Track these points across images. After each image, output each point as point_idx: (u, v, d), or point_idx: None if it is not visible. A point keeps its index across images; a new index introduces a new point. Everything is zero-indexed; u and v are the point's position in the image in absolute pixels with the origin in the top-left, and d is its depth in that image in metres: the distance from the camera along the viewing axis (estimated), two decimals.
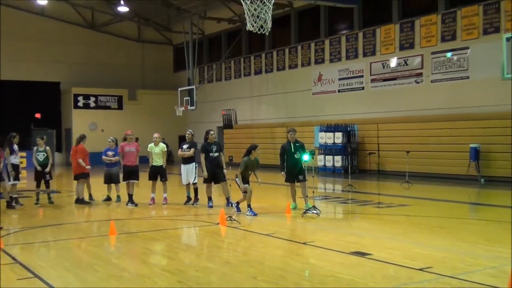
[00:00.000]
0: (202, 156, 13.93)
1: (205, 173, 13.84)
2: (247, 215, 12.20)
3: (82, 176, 15.19)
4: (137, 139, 15.43)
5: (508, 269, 6.51)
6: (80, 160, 15.04)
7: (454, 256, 8.19)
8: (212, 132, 14.39)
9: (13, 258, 8.44)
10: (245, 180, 12.63)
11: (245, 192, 12.61)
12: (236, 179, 12.75)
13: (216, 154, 13.99)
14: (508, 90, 18.62)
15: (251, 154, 12.60)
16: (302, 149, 13.18)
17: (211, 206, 13.83)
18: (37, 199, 15.18)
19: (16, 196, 14.91)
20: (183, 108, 30.63)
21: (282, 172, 13.42)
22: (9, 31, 34.09)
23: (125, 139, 15.26)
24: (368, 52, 25.39)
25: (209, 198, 14.12)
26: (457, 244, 9.14)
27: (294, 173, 13.15)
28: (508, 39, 14.34)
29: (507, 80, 14.81)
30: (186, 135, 15.16)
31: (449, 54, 21.99)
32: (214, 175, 13.88)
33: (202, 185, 14.29)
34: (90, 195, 15.49)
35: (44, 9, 34.73)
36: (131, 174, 14.85)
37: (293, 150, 13.12)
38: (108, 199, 15.53)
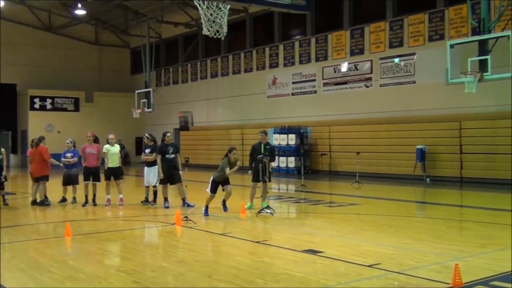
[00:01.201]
0: (159, 158, 13.82)
1: (161, 174, 13.71)
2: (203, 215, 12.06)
3: (43, 178, 14.83)
4: (95, 140, 15.08)
5: (452, 264, 6.65)
6: (52, 160, 14.78)
7: (402, 253, 8.31)
8: (168, 134, 14.27)
9: None
10: (221, 182, 12.25)
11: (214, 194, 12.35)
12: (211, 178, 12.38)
13: (173, 155, 13.88)
14: (452, 95, 19.11)
15: (228, 156, 12.20)
16: (270, 151, 13.26)
17: (168, 207, 13.72)
18: None
19: None
20: (140, 111, 30.35)
21: (249, 171, 13.41)
22: None
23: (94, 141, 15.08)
24: (320, 57, 25.63)
25: (165, 199, 14.00)
26: (405, 241, 9.29)
27: (259, 173, 13.13)
28: (452, 46, 14.70)
29: (451, 84, 15.15)
30: (144, 139, 15.07)
31: (396, 60, 22.40)
32: (171, 176, 13.77)
33: (160, 186, 14.17)
34: (45, 197, 15.11)
35: (0, 11, 33.80)
36: (92, 175, 14.63)
37: (262, 151, 13.14)
38: (64, 200, 15.20)
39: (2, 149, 15.05)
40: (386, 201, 15.65)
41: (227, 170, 11.97)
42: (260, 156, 13.09)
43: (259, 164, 13.06)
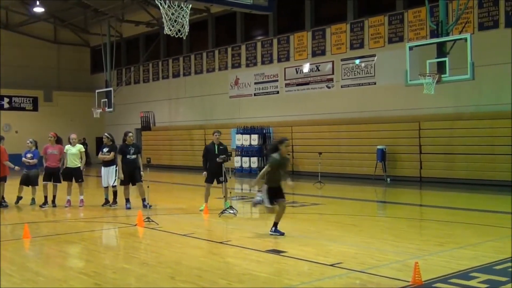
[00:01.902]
0: (119, 158, 13.68)
1: (121, 175, 13.59)
2: (271, 234, 9.73)
3: (2, 179, 14.45)
4: (58, 141, 14.79)
5: (412, 263, 6.75)
6: (8, 162, 14.38)
7: (364, 252, 8.40)
8: (130, 134, 14.08)
9: None
10: (274, 189, 9.69)
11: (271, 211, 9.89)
12: (259, 194, 9.93)
13: (134, 156, 13.71)
14: (411, 96, 19.42)
15: (279, 150, 9.64)
16: (224, 152, 13.15)
17: (129, 208, 13.56)
18: None
19: None
20: (101, 110, 29.93)
21: (204, 172, 13.28)
22: None
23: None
24: (282, 57, 25.75)
25: (127, 200, 13.85)
26: (367, 241, 9.40)
27: (214, 174, 13.06)
28: (411, 48, 14.94)
29: (410, 86, 15.39)
30: (104, 139, 14.84)
31: (357, 61, 22.67)
32: (132, 177, 13.63)
33: (121, 187, 13.99)
34: (3, 198, 14.73)
35: None
36: (53, 175, 14.37)
37: (216, 152, 13.03)
38: (19, 199, 14.83)
39: None
40: (348, 201, 15.82)
41: (289, 181, 10.14)
42: (222, 157, 13.00)
43: (214, 165, 13.01)
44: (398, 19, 21.33)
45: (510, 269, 7.20)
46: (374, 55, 22.12)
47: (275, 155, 9.54)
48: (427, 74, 14.13)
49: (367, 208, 14.54)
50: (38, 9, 31.53)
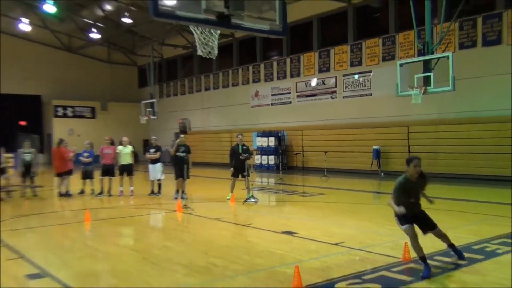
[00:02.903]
0: (172, 152, 13.67)
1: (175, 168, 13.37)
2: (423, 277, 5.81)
3: (66, 173, 14.74)
4: (112, 143, 15.05)
5: (402, 243, 6.73)
6: (70, 155, 14.70)
7: (362, 234, 8.39)
8: (182, 136, 14.00)
9: (2, 242, 8.07)
10: (406, 216, 6.19)
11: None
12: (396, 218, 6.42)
13: (183, 154, 13.49)
14: (402, 105, 19.27)
15: (408, 169, 6.34)
16: (247, 151, 13.23)
17: (177, 198, 13.21)
18: (23, 193, 14.60)
19: (7, 189, 14.34)
20: (146, 117, 30.16)
21: (231, 168, 13.38)
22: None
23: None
24: (294, 73, 25.70)
25: (177, 191, 13.55)
26: (365, 224, 9.37)
27: (239, 169, 13.15)
28: (401, 65, 14.79)
29: (400, 96, 15.27)
30: (152, 141, 15.05)
31: (356, 76, 22.53)
32: (182, 171, 13.27)
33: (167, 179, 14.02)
34: (68, 189, 14.98)
35: (28, 34, 33.43)
36: (108, 171, 14.57)
37: (240, 151, 13.13)
38: (82, 192, 15.09)
39: (33, 149, 14.93)
40: (349, 191, 15.76)
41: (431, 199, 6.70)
42: (245, 155, 13.08)
43: (238, 162, 13.08)
44: (390, 41, 21.16)
45: (485, 249, 7.14)
46: (370, 71, 21.97)
47: (401, 178, 6.38)
48: (415, 87, 13.99)
49: (364, 197, 14.47)
50: (95, 35, 31.88)
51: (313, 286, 5.51)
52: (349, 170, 21.84)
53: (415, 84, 14.02)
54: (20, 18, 30.83)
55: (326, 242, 7.67)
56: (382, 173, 20.20)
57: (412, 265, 6.28)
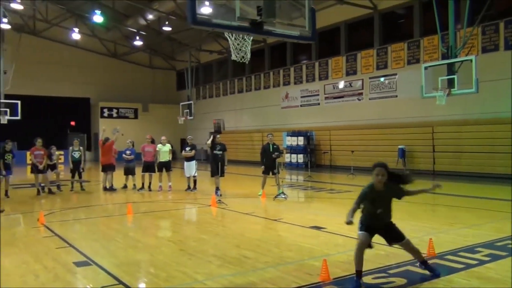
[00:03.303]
0: (209, 151, 13.63)
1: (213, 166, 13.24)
2: None
3: (110, 169, 15.03)
4: (152, 141, 15.24)
5: (427, 239, 6.55)
6: (114, 150, 15.03)
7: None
8: (218, 136, 13.90)
9: (53, 232, 8.28)
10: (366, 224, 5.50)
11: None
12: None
13: (220, 152, 13.41)
14: (426, 106, 18.86)
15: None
16: (277, 150, 13.17)
17: (218, 195, 12.85)
18: (72, 187, 14.95)
19: (58, 183, 14.72)
20: (184, 118, 30.49)
21: (262, 166, 13.35)
22: (50, 58, 33.68)
23: (152, 141, 15.13)
24: (322, 76, 25.48)
25: (217, 189, 13.20)
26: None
27: (270, 167, 13.10)
28: (426, 68, 14.45)
29: (425, 98, 14.92)
30: (188, 140, 15.11)
31: (382, 79, 22.17)
32: (217, 169, 13.19)
33: (200, 175, 14.10)
34: (112, 184, 15.27)
35: (78, 42, 34.29)
36: (149, 168, 14.76)
37: (270, 150, 13.08)
38: (125, 186, 15.34)
39: (81, 147, 15.28)
40: None
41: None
42: (276, 154, 13.02)
43: (269, 160, 13.02)
44: (415, 45, 20.71)
45: (509, 246, 6.88)
46: (395, 74, 21.57)
47: (365, 187, 5.54)
48: (439, 89, 13.64)
49: None
50: (138, 43, 32.42)
51: (340, 279, 5.41)
52: None
53: (440, 86, 13.67)
54: (73, 28, 31.64)
55: (352, 237, 7.52)
56: (407, 172, 19.76)
57: (437, 260, 6.10)
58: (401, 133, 20.79)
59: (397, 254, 6.46)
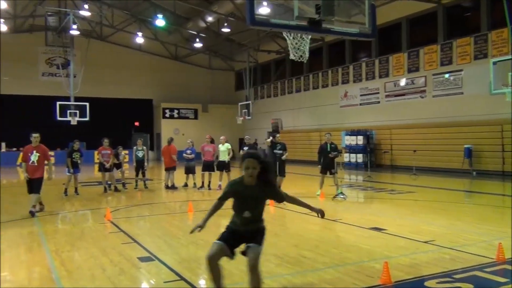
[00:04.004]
0: (270, 153, 13.42)
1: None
2: None
3: (172, 169, 15.47)
4: (212, 141, 15.50)
5: (496, 243, 6.22)
6: (174, 156, 15.41)
7: (453, 232, 7.88)
8: (277, 135, 13.82)
9: (119, 228, 8.65)
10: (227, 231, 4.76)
11: None
12: None
13: (280, 151, 13.28)
14: (494, 103, 17.88)
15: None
16: (335, 149, 12.98)
17: None
18: (136, 185, 15.53)
19: (123, 181, 15.35)
20: (242, 118, 30.83)
21: (319, 166, 13.23)
22: (116, 62, 35.24)
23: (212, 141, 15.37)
24: (383, 74, 24.86)
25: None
26: (456, 223, 8.80)
27: (327, 167, 12.95)
28: (494, 63, 13.75)
29: (494, 95, 14.18)
30: (245, 140, 15.24)
31: (447, 75, 21.27)
32: (278, 169, 13.00)
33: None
34: (173, 183, 15.68)
35: (141, 45, 35.61)
36: (208, 167, 15.02)
37: (328, 149, 12.93)
38: (186, 185, 15.69)
39: (144, 147, 15.84)
40: (439, 190, 14.91)
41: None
42: (334, 153, 12.85)
43: (327, 160, 12.85)
44: (482, 39, 19.69)
45: None
46: (461, 70, 20.61)
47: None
48: (509, 84, 12.91)
49: (454, 196, 13.57)
50: (198, 45, 33.16)
51: (402, 282, 5.25)
52: (438, 168, 20.70)
53: (510, 82, 12.92)
54: (137, 33, 32.93)
55: (415, 240, 7.30)
56: (474, 172, 18.88)
57: (507, 266, 5.77)
58: (467, 132, 19.86)
59: (463, 259, 6.18)
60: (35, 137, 9.92)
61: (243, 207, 4.47)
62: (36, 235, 8.17)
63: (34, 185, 10.01)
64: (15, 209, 10.33)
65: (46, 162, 10.04)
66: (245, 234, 4.48)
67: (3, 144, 30.04)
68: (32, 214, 9.89)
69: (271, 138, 13.65)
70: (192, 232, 4.45)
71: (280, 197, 4.69)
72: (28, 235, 8.15)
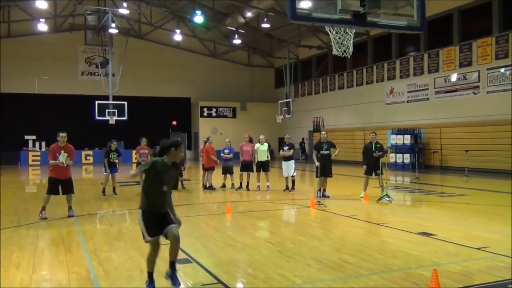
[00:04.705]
0: (314, 153, 13.23)
1: (317, 163, 12.78)
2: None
3: (210, 169, 15.62)
4: (250, 140, 15.55)
5: None
6: (213, 156, 15.56)
7: (508, 239, 7.57)
8: (323, 133, 13.57)
9: None
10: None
11: None
12: None
13: (327, 151, 13.06)
14: None
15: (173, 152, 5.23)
16: (381, 149, 12.76)
17: (327, 197, 12.81)
18: None
19: None
20: (282, 116, 30.80)
21: (363, 166, 13.03)
22: (153, 60, 36.00)
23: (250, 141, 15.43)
24: (432, 69, 24.23)
25: (322, 190, 13.00)
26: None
27: (372, 168, 12.74)
28: None
29: None
30: (285, 139, 15.17)
31: (502, 70, 20.48)
32: (324, 169, 12.85)
33: (298, 175, 14.07)
34: (211, 183, 15.82)
35: (179, 43, 36.21)
36: (247, 167, 15.08)
37: (373, 149, 12.72)
38: (224, 186, 15.81)
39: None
40: (493, 193, 14.38)
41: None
42: (379, 153, 12.62)
43: (372, 160, 12.63)
44: None
45: None
46: None
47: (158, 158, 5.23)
48: None
49: (510, 200, 13.05)
50: (237, 41, 33.37)
51: None
52: (493, 170, 19.96)
53: None
54: (175, 30, 33.52)
55: (467, 246, 7.07)
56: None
57: None
58: None
59: None
60: (62, 136, 9.99)
61: (164, 183, 5.17)
62: (75, 234, 8.46)
63: (67, 185, 10.22)
64: (52, 209, 10.72)
65: (66, 155, 10.02)
66: (160, 213, 5.20)
67: (43, 144, 31.26)
68: (71, 216, 10.20)
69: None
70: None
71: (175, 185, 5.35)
72: (67, 234, 8.45)
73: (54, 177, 10.06)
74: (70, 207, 10.37)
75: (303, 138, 34.48)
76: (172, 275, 5.24)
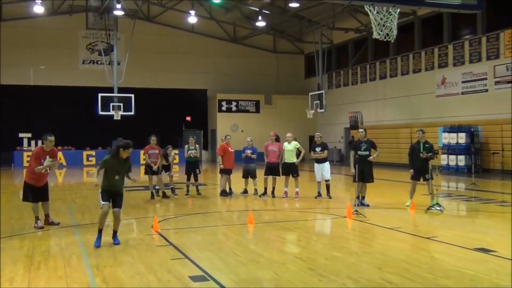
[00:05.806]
0: (352, 154, 13.15)
1: (352, 171, 12.74)
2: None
3: (228, 172, 15.56)
4: (277, 139, 15.46)
5: None
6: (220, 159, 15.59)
7: None
8: (361, 130, 13.37)
9: (167, 241, 8.91)
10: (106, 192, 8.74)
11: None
12: None
13: (366, 152, 12.86)
14: None
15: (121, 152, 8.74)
16: (431, 150, 12.57)
17: (364, 204, 12.71)
18: (187, 191, 15.88)
19: (172, 186, 15.73)
20: (313, 111, 30.74)
21: (410, 170, 12.90)
22: (164, 46, 36.35)
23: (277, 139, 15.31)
24: (491, 55, 23.83)
25: (361, 197, 12.84)
26: None
27: (420, 171, 12.58)
28: None
29: None
30: (316, 138, 15.04)
31: None
32: (362, 173, 12.66)
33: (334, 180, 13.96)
34: (230, 188, 15.84)
35: (194, 26, 36.43)
36: (272, 170, 15.03)
37: (421, 150, 12.55)
38: (245, 191, 15.78)
39: (197, 145, 16.19)
40: None
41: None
42: (429, 154, 12.46)
43: (420, 163, 12.45)
44: None
45: None
46: None
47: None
48: None
49: None
50: (260, 23, 33.40)
51: None
52: None
53: None
54: (189, 11, 33.63)
55: None
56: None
57: None
58: None
59: None
60: (51, 140, 10.29)
61: (115, 174, 8.64)
62: (76, 246, 8.61)
63: (45, 192, 10.60)
64: (52, 216, 10.93)
65: (51, 160, 10.26)
66: (114, 192, 8.67)
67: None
68: (55, 223, 10.57)
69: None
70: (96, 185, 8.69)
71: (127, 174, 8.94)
72: (67, 246, 8.61)
73: (33, 184, 10.37)
74: (48, 215, 10.66)
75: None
76: (113, 238, 8.72)
